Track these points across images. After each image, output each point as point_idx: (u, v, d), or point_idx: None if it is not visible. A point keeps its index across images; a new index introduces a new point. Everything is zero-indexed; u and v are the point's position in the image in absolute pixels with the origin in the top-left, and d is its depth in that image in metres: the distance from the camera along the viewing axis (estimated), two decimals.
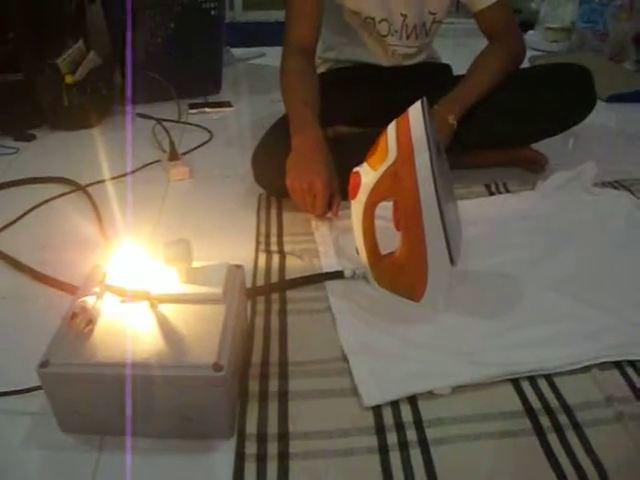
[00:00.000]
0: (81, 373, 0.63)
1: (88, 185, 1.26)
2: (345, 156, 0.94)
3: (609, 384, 0.73)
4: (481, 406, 0.71)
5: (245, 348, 0.80)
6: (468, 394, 0.73)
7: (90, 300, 0.70)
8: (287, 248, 1.03)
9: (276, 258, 1.00)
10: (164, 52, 1.75)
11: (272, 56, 2.17)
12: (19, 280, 0.97)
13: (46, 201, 1.22)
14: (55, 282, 0.94)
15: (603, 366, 0.75)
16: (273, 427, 0.68)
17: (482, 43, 1.25)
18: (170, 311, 0.70)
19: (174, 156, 1.37)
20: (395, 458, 0.65)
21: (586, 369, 0.75)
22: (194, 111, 1.74)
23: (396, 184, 0.80)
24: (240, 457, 0.65)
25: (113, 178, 1.30)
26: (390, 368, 0.75)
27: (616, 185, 1.21)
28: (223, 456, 0.66)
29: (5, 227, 1.12)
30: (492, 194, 1.20)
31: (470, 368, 0.75)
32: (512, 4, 1.33)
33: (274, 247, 1.04)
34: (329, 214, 1.07)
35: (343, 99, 1.24)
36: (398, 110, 0.80)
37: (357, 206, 0.85)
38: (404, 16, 1.24)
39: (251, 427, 0.68)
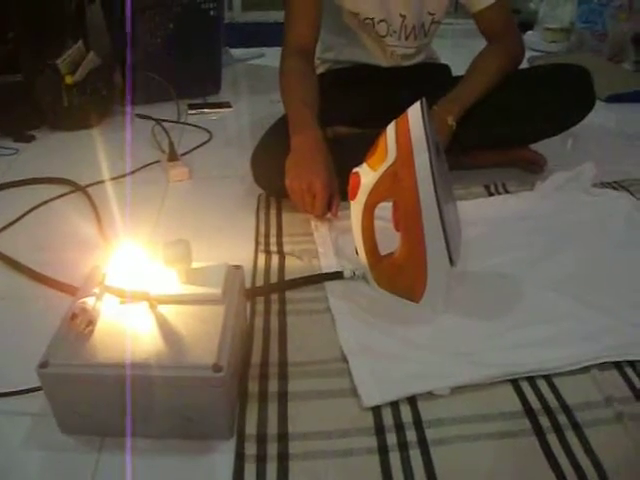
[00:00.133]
0: (81, 374, 0.63)
1: (88, 186, 1.27)
2: (344, 157, 0.94)
3: (608, 384, 0.73)
4: (481, 406, 0.71)
5: (244, 349, 0.80)
6: (468, 394, 0.73)
7: (90, 301, 0.70)
8: (286, 248, 1.03)
9: (275, 258, 1.00)
10: (163, 52, 1.75)
11: (271, 56, 2.17)
12: (19, 281, 0.97)
13: (46, 202, 1.22)
14: (55, 283, 0.94)
15: (602, 366, 0.75)
16: (273, 428, 0.68)
17: (481, 44, 1.25)
18: (169, 312, 0.70)
19: (173, 157, 1.37)
20: (395, 459, 0.65)
21: (585, 369, 0.75)
22: (193, 111, 1.74)
23: (395, 185, 0.80)
24: (240, 458, 0.65)
25: (112, 179, 1.30)
26: (389, 369, 0.75)
27: (615, 186, 1.21)
28: (223, 457, 0.66)
29: (5, 228, 1.12)
30: (491, 195, 1.21)
31: (469, 369, 0.75)
32: (511, 5, 1.33)
33: (273, 247, 1.04)
34: (328, 214, 1.07)
35: (342, 100, 1.24)
36: (397, 111, 0.80)
37: (356, 207, 0.85)
38: (403, 17, 1.24)
39: (251, 428, 0.68)
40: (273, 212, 1.15)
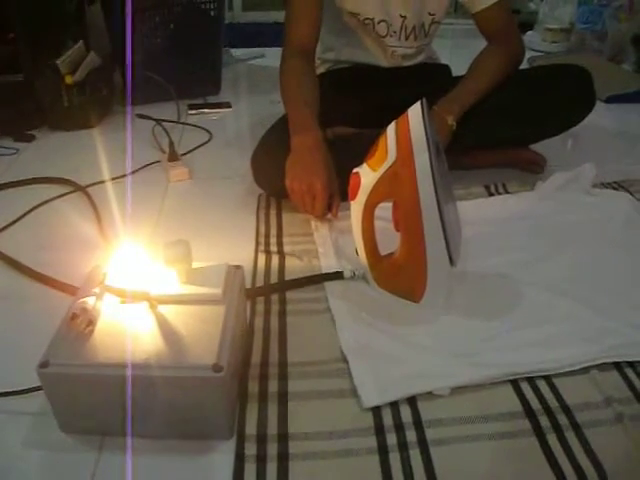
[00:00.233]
0: (81, 374, 0.63)
1: (88, 186, 1.27)
2: (345, 157, 0.94)
3: (608, 385, 0.73)
4: (480, 407, 0.71)
5: (245, 349, 0.80)
6: (467, 395, 0.73)
7: (90, 301, 0.70)
8: (287, 249, 1.03)
9: (275, 259, 1.00)
10: (164, 53, 1.75)
11: (271, 57, 2.18)
12: (19, 281, 0.97)
13: (46, 202, 1.22)
14: (55, 283, 0.94)
15: (602, 367, 0.76)
16: (273, 428, 0.69)
17: (481, 44, 1.25)
18: (170, 312, 0.70)
19: (174, 157, 1.37)
20: (395, 459, 0.65)
21: (585, 370, 0.75)
22: (193, 112, 1.74)
23: (396, 185, 0.80)
24: (240, 458, 0.65)
25: (113, 179, 1.30)
26: (389, 369, 0.75)
27: (615, 186, 1.21)
28: (223, 457, 0.66)
29: (5, 228, 1.12)
30: (491, 195, 1.21)
31: (469, 369, 0.75)
32: (511, 5, 1.33)
33: (273, 248, 1.04)
34: (329, 215, 1.07)
35: (342, 100, 1.24)
36: (397, 111, 0.81)
37: (357, 207, 0.85)
38: (403, 17, 1.24)
39: (251, 428, 0.68)
40: (273, 212, 1.15)
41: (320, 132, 1.07)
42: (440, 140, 0.93)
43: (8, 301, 0.93)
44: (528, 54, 1.66)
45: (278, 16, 2.38)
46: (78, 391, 0.65)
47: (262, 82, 2.06)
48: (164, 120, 1.59)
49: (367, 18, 1.24)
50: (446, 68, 1.45)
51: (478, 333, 0.82)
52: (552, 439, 0.67)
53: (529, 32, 2.48)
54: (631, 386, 0.73)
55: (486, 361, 0.76)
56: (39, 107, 1.58)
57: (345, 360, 0.78)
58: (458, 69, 1.32)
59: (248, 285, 0.90)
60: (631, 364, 0.76)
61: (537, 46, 2.40)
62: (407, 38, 1.28)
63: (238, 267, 0.78)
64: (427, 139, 0.76)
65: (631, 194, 1.17)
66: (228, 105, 1.81)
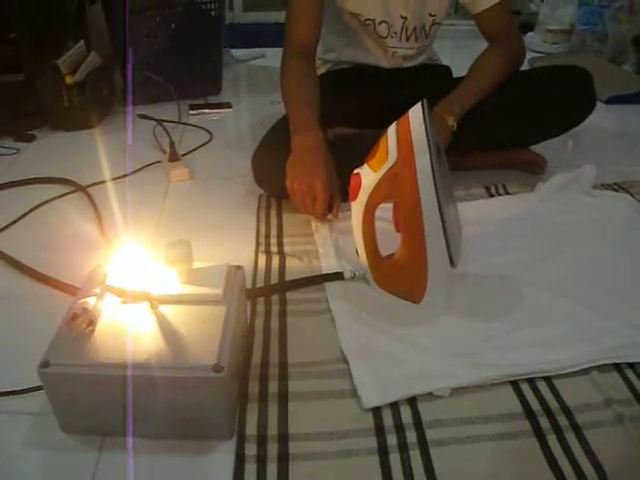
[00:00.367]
0: (82, 373, 0.63)
1: (89, 186, 1.27)
2: (345, 157, 0.94)
3: (608, 386, 0.73)
4: (481, 408, 0.71)
5: (245, 349, 0.80)
6: (468, 396, 0.73)
7: (91, 301, 0.70)
8: (287, 249, 1.03)
9: (276, 259, 1.00)
10: (164, 53, 1.76)
11: (272, 57, 2.18)
12: (20, 280, 0.97)
13: (47, 202, 1.22)
14: (56, 283, 0.94)
15: (602, 368, 0.76)
16: (273, 428, 0.69)
17: (482, 45, 1.25)
18: (170, 312, 0.70)
19: (174, 157, 1.37)
20: (395, 459, 0.65)
21: (585, 371, 0.75)
22: (194, 112, 1.74)
23: (396, 186, 0.80)
24: (240, 458, 0.65)
25: (113, 179, 1.30)
26: (390, 369, 0.75)
27: (616, 187, 1.21)
28: (223, 457, 0.66)
29: (6, 227, 1.12)
30: (492, 196, 1.21)
31: (470, 370, 0.75)
32: (511, 6, 1.33)
33: (274, 248, 1.04)
34: (329, 215, 1.07)
35: (343, 100, 1.24)
36: (398, 112, 0.81)
37: (357, 208, 0.85)
38: (404, 18, 1.24)
39: (251, 428, 0.68)
40: (274, 213, 1.15)
41: (321, 133, 1.07)
42: (440, 141, 0.93)
43: (9, 301, 0.93)
44: (529, 55, 1.66)
45: (278, 16, 2.38)
46: (79, 391, 0.65)
47: (263, 82, 2.06)
48: (165, 120, 1.59)
49: (368, 19, 1.24)
50: (447, 69, 1.45)
51: (478, 334, 0.82)
52: (552, 440, 0.67)
53: (530, 33, 2.48)
54: (631, 387, 0.73)
55: (486, 362, 0.77)
56: (40, 107, 1.58)
57: (345, 361, 0.78)
58: (459, 70, 1.32)
59: (248, 285, 0.90)
60: (631, 365, 0.76)
61: (538, 47, 2.41)
62: (408, 39, 1.28)
63: (239, 267, 0.78)
64: (428, 140, 0.76)
65: (631, 195, 1.17)
66: (229, 105, 1.81)
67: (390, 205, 0.83)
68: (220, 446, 0.67)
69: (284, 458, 0.65)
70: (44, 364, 0.63)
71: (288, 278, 0.95)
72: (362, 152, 0.84)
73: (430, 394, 0.72)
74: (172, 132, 1.51)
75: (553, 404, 0.71)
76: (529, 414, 0.70)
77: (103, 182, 1.29)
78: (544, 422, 0.69)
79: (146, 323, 0.68)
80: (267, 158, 1.15)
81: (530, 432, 0.68)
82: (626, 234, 1.04)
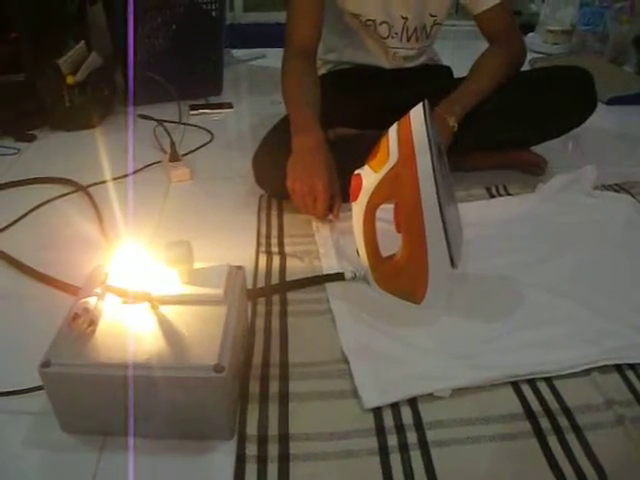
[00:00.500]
0: (83, 373, 0.63)
1: (89, 186, 1.27)
2: (346, 158, 0.94)
3: (609, 387, 0.73)
4: (481, 408, 0.71)
5: (246, 349, 0.80)
6: (468, 397, 0.73)
7: (92, 301, 0.70)
8: (288, 249, 1.03)
9: (277, 259, 1.00)
10: (165, 53, 1.76)
11: (273, 57, 2.18)
12: (20, 280, 0.97)
13: (47, 202, 1.22)
14: (56, 283, 0.94)
15: (603, 369, 0.75)
16: (274, 429, 0.69)
17: (483, 45, 1.25)
18: (171, 312, 0.70)
19: (175, 157, 1.37)
20: (395, 460, 0.65)
21: (586, 372, 0.75)
22: (195, 112, 1.75)
23: (397, 186, 0.80)
24: (241, 459, 0.65)
25: (114, 179, 1.30)
26: (390, 370, 0.75)
27: (616, 188, 1.21)
28: (223, 457, 0.66)
29: (6, 227, 1.12)
30: (492, 197, 1.21)
31: (470, 371, 0.75)
32: (512, 6, 1.33)
33: (275, 248, 1.04)
34: (330, 216, 1.07)
35: (344, 101, 1.24)
36: (399, 112, 0.81)
37: (358, 208, 0.85)
38: (405, 19, 1.24)
39: (252, 428, 0.68)
40: (274, 213, 1.15)
41: (321, 133, 1.07)
42: (441, 141, 0.93)
43: (9, 301, 0.93)
44: (529, 56, 1.66)
45: (279, 17, 2.38)
46: (79, 391, 0.65)
47: (263, 83, 2.06)
48: (165, 120, 1.59)
49: (369, 19, 1.24)
50: (447, 69, 1.45)
51: (479, 334, 0.82)
52: (553, 441, 0.67)
53: (530, 34, 2.48)
54: (632, 388, 0.73)
55: (487, 363, 0.76)
56: (40, 107, 1.58)
57: (346, 361, 0.78)
58: (459, 70, 1.33)
59: (249, 286, 0.90)
60: (632, 366, 0.76)
61: (538, 48, 2.40)
62: (409, 39, 1.28)
63: (239, 268, 0.78)
64: (429, 140, 0.76)
65: (632, 196, 1.17)
66: (229, 106, 1.81)
67: (391, 206, 0.83)
68: (221, 446, 0.67)
69: (285, 458, 0.65)
70: (45, 364, 0.63)
71: (289, 278, 0.95)
72: (363, 152, 0.84)
73: (431, 395, 0.72)
74: (173, 132, 1.51)
75: (554, 405, 0.71)
76: (530, 415, 0.70)
77: (104, 182, 1.29)
78: (545, 423, 0.69)
79: (147, 323, 0.68)
80: (268, 158, 1.15)
81: (531, 433, 0.68)
82: (627, 235, 1.04)
